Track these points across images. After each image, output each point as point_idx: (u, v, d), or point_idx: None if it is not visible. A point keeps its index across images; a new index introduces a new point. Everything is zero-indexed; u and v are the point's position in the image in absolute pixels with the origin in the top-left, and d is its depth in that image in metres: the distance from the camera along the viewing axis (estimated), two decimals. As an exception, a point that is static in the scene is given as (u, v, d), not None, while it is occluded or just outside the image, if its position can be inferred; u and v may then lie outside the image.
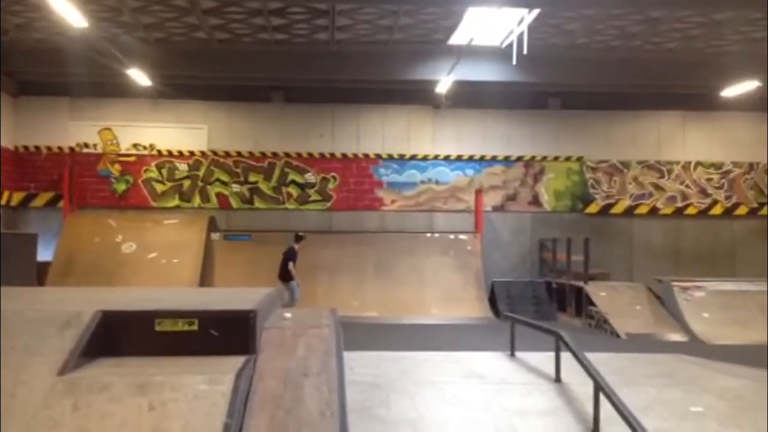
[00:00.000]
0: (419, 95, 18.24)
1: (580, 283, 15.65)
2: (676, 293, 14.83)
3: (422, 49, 16.08)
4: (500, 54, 15.24)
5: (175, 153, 18.59)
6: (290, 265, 14.21)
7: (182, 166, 18.61)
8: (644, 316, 14.69)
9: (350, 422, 3.97)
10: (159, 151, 18.54)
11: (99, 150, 18.44)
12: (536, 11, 12.08)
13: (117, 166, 18.48)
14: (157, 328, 4.38)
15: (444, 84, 16.59)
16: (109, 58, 14.77)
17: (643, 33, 15.04)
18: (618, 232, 19.17)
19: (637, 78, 17.01)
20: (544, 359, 6.87)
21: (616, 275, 17.66)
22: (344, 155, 18.90)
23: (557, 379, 6.30)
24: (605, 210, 19.25)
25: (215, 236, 17.30)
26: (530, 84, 17.27)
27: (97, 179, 18.38)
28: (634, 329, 13.93)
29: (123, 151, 18.48)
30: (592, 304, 15.03)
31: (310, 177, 18.86)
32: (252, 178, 18.74)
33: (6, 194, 17.65)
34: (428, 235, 18.36)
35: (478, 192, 18.43)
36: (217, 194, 18.66)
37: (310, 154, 18.84)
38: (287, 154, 18.80)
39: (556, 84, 17.84)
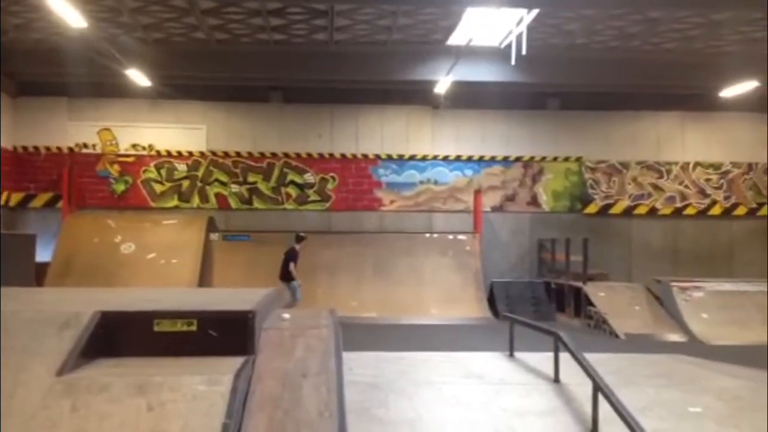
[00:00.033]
0: (418, 95, 18.24)
1: (579, 284, 15.65)
2: (674, 294, 14.83)
3: (421, 50, 16.08)
4: (499, 54, 15.23)
5: (174, 153, 18.59)
6: (291, 265, 14.22)
7: (181, 167, 18.60)
8: (643, 317, 14.70)
9: (349, 423, 3.98)
10: (158, 152, 18.54)
11: (98, 150, 18.44)
12: (535, 11, 12.08)
13: (116, 167, 18.47)
14: (156, 328, 4.38)
15: (443, 84, 16.60)
16: (108, 58, 14.77)
17: (642, 33, 15.05)
18: (617, 232, 19.18)
19: (636, 78, 17.02)
20: (542, 360, 6.87)
21: (614, 275, 17.65)
22: (343, 155, 18.90)
23: (556, 380, 6.30)
24: (604, 210, 19.26)
25: (214, 236, 17.29)
26: (529, 84, 17.28)
27: (96, 180, 18.37)
28: (633, 329, 13.93)
29: (122, 152, 18.48)
30: (590, 304, 15.04)
31: (309, 177, 18.86)
32: (251, 178, 18.74)
33: (5, 195, 17.64)
34: (427, 235, 18.36)
35: (477, 192, 18.44)
36: (216, 194, 18.66)
37: (309, 155, 18.84)
38: (286, 155, 18.81)
39: (555, 84, 17.86)
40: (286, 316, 5.53)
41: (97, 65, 15.09)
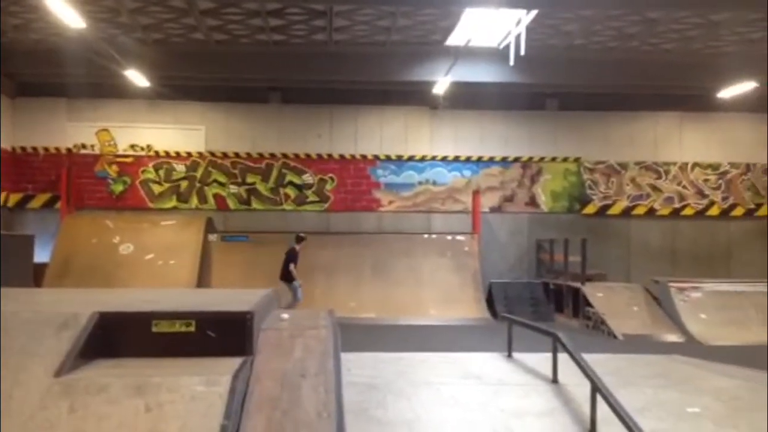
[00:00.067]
0: (417, 96, 18.24)
1: (578, 284, 15.64)
2: (673, 294, 14.83)
3: (420, 50, 16.09)
4: (498, 55, 15.24)
5: (173, 154, 18.58)
6: (291, 265, 14.23)
7: (180, 167, 18.59)
8: (641, 317, 14.70)
9: (347, 423, 3.98)
10: (156, 152, 18.52)
11: (96, 151, 18.42)
12: (534, 12, 12.10)
13: (114, 167, 18.46)
14: (154, 329, 4.38)
15: (441, 85, 16.60)
16: (106, 59, 14.76)
17: (641, 34, 15.06)
18: (615, 233, 19.19)
19: (634, 79, 17.03)
20: (541, 360, 6.87)
21: (613, 276, 17.66)
22: (342, 156, 18.90)
23: (554, 380, 6.30)
24: (602, 211, 19.27)
25: (212, 237, 17.28)
26: (528, 85, 17.29)
27: (94, 180, 18.35)
28: (631, 330, 13.93)
29: (120, 152, 18.46)
30: (589, 305, 15.04)
31: (308, 178, 18.86)
32: (249, 179, 18.73)
33: (3, 195, 17.63)
34: (426, 236, 18.36)
35: (476, 193, 18.45)
36: (215, 195, 18.65)
37: (308, 155, 18.83)
38: (285, 155, 18.80)
39: (554, 85, 17.87)
40: (285, 316, 5.53)
41: (96, 66, 15.08)
